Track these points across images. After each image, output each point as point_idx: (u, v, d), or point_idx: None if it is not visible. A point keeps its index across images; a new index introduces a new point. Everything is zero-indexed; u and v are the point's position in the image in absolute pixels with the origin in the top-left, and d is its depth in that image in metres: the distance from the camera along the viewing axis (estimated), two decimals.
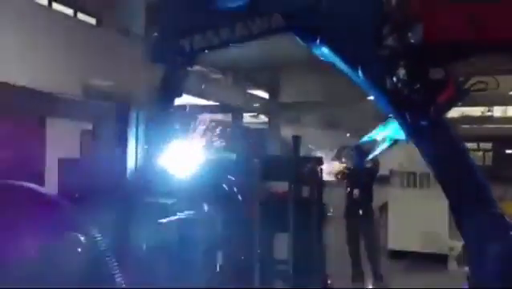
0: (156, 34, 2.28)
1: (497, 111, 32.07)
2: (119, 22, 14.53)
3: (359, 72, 2.14)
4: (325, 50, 2.24)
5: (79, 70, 11.48)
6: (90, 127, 3.08)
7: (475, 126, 26.79)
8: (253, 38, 2.21)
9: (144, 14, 14.80)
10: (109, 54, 12.72)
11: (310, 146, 7.13)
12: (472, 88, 2.20)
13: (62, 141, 3.07)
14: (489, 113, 30.97)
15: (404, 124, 2.20)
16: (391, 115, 2.24)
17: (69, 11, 13.93)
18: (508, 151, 32.06)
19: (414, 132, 2.18)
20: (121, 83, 11.88)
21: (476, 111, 27.47)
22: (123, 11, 14.46)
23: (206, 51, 2.26)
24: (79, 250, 1.53)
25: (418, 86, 2.12)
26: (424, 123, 2.13)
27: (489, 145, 31.39)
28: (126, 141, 2.29)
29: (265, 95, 27.53)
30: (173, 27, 2.26)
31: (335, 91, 26.85)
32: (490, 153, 31.53)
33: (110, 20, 14.86)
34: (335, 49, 2.19)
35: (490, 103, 25.34)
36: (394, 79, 2.13)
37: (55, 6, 13.41)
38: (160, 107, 2.25)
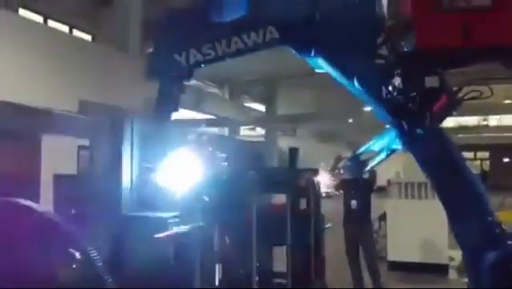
0: (151, 49, 2.29)
1: (493, 120, 32.26)
2: (115, 38, 14.61)
3: (355, 82, 2.15)
4: (320, 61, 2.25)
5: (74, 86, 11.51)
6: (86, 142, 3.06)
7: (471, 135, 26.91)
8: (249, 51, 2.22)
9: (139, 30, 14.90)
10: (105, 69, 12.76)
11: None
12: (465, 97, 2.21)
13: (58, 157, 3.06)
14: (485, 122, 31.15)
15: (401, 133, 2.21)
16: (388, 124, 2.25)
17: (64, 28, 14.04)
18: (505, 159, 32.17)
19: (411, 140, 2.19)
20: (118, 98, 11.90)
21: (472, 120, 27.62)
22: (119, 27, 14.55)
23: (202, 66, 2.27)
24: (74, 266, 1.52)
25: (414, 94, 2.13)
26: (420, 131, 2.13)
27: (486, 154, 31.49)
28: (120, 155, 2.28)
29: (261, 107, 27.62)
30: (169, 42, 2.27)
31: (330, 103, 26.99)
32: (487, 162, 31.61)
33: (105, 36, 14.95)
34: (330, 60, 2.20)
35: (486, 112, 25.47)
36: (390, 87, 2.14)
37: (51, 23, 13.51)
38: (157, 122, 2.25)
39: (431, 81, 2.12)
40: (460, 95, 2.24)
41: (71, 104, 10.12)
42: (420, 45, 2.11)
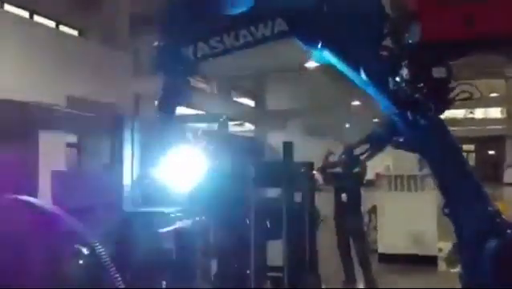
0: (157, 43, 2.26)
1: (479, 113, 32.67)
2: (103, 32, 14.47)
3: (362, 74, 2.18)
4: (327, 53, 2.27)
5: (62, 81, 11.39)
6: (74, 139, 3.05)
7: (458, 128, 27.25)
8: (257, 43, 2.23)
9: (128, 25, 14.77)
10: (93, 65, 12.65)
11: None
12: (456, 98, 2.25)
13: (50, 154, 3.04)
14: (471, 115, 31.54)
15: (406, 124, 2.24)
16: (393, 115, 2.28)
17: (51, 24, 13.86)
18: (490, 152, 32.62)
19: (416, 131, 2.22)
20: (107, 94, 11.81)
21: (458, 113, 27.95)
22: (107, 22, 14.41)
23: (210, 59, 2.26)
24: (81, 262, 1.53)
25: (421, 85, 2.16)
26: (426, 122, 2.17)
27: (471, 147, 31.88)
28: (121, 153, 2.28)
29: (250, 102, 27.60)
30: (176, 36, 2.25)
31: (320, 97, 27.12)
32: (473, 154, 32.00)
33: (93, 31, 14.81)
34: (337, 51, 2.22)
35: (472, 105, 25.80)
36: (397, 78, 2.17)
37: (37, 18, 13.33)
38: (162, 116, 2.24)
39: (438, 72, 2.15)
40: (450, 95, 2.27)
41: (59, 100, 10.02)
42: (424, 36, 2.15)
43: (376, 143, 2.45)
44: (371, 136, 2.45)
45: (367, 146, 2.54)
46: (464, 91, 2.29)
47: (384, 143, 2.41)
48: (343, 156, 2.50)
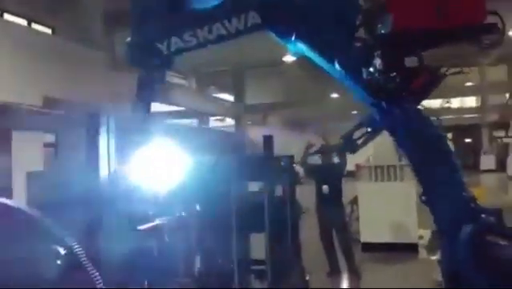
0: (130, 37, 2.23)
1: (455, 103, 33.29)
2: (76, 30, 14.22)
3: (336, 65, 2.18)
4: (301, 45, 2.27)
5: (37, 80, 11.15)
6: (51, 139, 2.99)
7: (435, 117, 27.64)
8: (231, 37, 2.21)
9: (101, 22, 14.54)
10: (67, 63, 12.42)
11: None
12: (447, 73, 2.26)
13: (25, 154, 2.97)
14: (448, 104, 32.12)
15: (381, 113, 2.26)
16: (368, 105, 2.29)
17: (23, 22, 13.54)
18: (467, 140, 33.31)
19: (390, 120, 2.24)
20: (82, 92, 11.62)
21: (435, 103, 28.41)
22: (80, 20, 14.16)
23: (183, 53, 2.24)
24: (59, 262, 1.50)
25: (393, 74, 2.17)
26: (399, 111, 2.18)
27: (449, 135, 32.52)
28: (97, 150, 2.24)
29: (230, 97, 27.53)
30: (148, 30, 2.23)
31: (298, 91, 27.21)
32: (451, 143, 32.57)
33: (66, 29, 14.52)
34: (311, 43, 2.22)
35: (448, 95, 26.24)
36: (370, 69, 2.18)
37: (7, 16, 13.00)
38: (138, 112, 2.21)
39: (410, 61, 2.17)
40: (441, 71, 2.28)
41: (34, 100, 9.82)
42: (396, 26, 2.17)
43: (373, 127, 2.44)
44: (367, 119, 2.44)
45: (363, 131, 2.52)
46: (454, 68, 2.30)
47: (381, 127, 2.40)
48: (341, 141, 2.45)
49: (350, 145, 2.39)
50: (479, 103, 30.70)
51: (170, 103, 18.64)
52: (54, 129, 2.71)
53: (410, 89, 2.20)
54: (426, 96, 2.27)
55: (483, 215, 2.12)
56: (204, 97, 24.47)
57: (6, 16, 13.04)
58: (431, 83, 2.26)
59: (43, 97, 10.62)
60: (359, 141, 2.44)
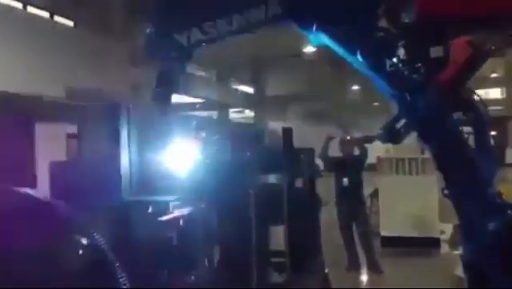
0: (149, 29, 2.23)
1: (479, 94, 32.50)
2: (98, 23, 14.36)
3: (358, 55, 2.14)
4: (322, 36, 2.23)
5: (60, 72, 11.33)
6: (75, 130, 3.03)
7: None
8: (251, 28, 2.19)
9: (123, 14, 14.65)
10: (90, 54, 12.57)
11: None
12: (492, 47, 2.16)
13: (49, 145, 3.02)
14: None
15: (403, 105, 2.20)
16: (390, 97, 2.23)
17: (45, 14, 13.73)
18: (492, 133, 32.56)
19: (413, 112, 2.19)
20: (104, 83, 11.76)
21: None
22: (101, 12, 14.29)
23: (204, 45, 2.22)
24: (81, 252, 1.52)
25: (418, 65, 2.12)
26: (423, 102, 2.13)
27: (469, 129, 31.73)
28: (118, 141, 2.26)
29: (250, 89, 27.50)
30: (169, 21, 2.22)
31: (319, 82, 27.01)
32: (471, 137, 31.87)
33: (88, 21, 14.69)
34: (332, 33, 2.18)
35: (472, 86, 25.63)
36: (394, 59, 2.13)
37: (30, 9, 13.20)
38: (158, 104, 2.21)
39: (435, 51, 2.10)
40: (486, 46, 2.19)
41: (58, 91, 9.99)
42: (421, 15, 2.10)
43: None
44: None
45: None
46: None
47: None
48: (381, 131, 2.35)
49: (393, 135, 2.29)
50: (504, 95, 29.96)
51: (190, 95, 18.72)
52: (76, 120, 2.75)
53: (434, 81, 2.13)
54: (471, 75, 2.18)
55: (510, 211, 2.06)
56: (224, 89, 24.50)
57: (30, 8, 13.24)
58: (477, 59, 2.17)
59: (66, 88, 10.78)
60: (403, 130, 2.35)
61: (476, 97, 2.39)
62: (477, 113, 2.36)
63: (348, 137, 7.31)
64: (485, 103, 2.41)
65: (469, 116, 2.36)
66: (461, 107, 2.33)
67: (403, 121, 2.34)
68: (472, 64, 2.20)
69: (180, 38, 2.17)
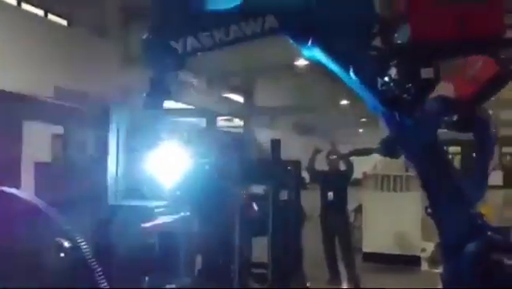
0: (146, 35, 2.23)
1: None
2: (92, 23, 14.30)
3: (351, 73, 2.17)
4: (317, 51, 2.26)
5: (50, 71, 11.24)
6: (60, 130, 2.99)
7: (444, 130, 27.41)
8: (247, 39, 2.21)
9: (116, 14, 14.61)
10: (82, 54, 12.50)
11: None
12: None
13: (35, 145, 2.98)
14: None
15: (391, 123, 2.24)
16: (380, 115, 2.27)
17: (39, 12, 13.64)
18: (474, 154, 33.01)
19: (401, 131, 2.22)
20: (95, 83, 11.69)
21: None
22: (96, 12, 14.24)
23: (198, 54, 2.24)
24: (62, 255, 1.51)
25: (409, 85, 2.15)
26: (411, 122, 2.17)
27: (458, 149, 32.21)
28: (106, 143, 2.25)
29: (239, 98, 27.54)
30: (165, 29, 2.23)
31: (308, 95, 27.19)
32: (459, 156, 32.35)
33: (82, 21, 14.62)
34: (327, 49, 2.21)
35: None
36: (385, 78, 2.17)
37: (25, 6, 13.10)
38: (150, 109, 2.21)
39: (426, 72, 2.14)
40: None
41: (46, 90, 9.89)
42: (414, 36, 2.15)
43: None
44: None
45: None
46: None
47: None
48: (380, 145, 2.37)
49: (391, 150, 2.32)
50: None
51: (179, 101, 18.69)
52: (63, 120, 2.72)
53: (423, 101, 2.18)
54: (496, 92, 2.21)
55: (489, 233, 2.10)
56: (214, 97, 24.50)
57: (24, 6, 13.14)
58: (502, 78, 2.19)
59: (55, 87, 10.69)
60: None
61: (490, 118, 2.43)
62: (487, 134, 2.40)
63: (334, 156, 7.35)
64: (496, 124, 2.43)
65: (478, 136, 2.39)
66: (474, 126, 2.37)
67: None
68: (497, 82, 2.22)
69: (176, 45, 2.19)
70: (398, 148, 2.32)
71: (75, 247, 1.51)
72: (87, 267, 1.52)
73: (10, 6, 12.23)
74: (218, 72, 24.89)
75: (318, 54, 2.26)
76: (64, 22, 14.59)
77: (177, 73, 2.33)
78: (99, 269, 1.54)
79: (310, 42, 2.22)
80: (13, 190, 1.55)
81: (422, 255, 8.07)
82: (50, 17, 14.06)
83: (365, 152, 7.18)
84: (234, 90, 28.06)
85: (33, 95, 3.33)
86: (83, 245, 1.54)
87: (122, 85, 12.35)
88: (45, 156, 3.79)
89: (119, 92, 11.93)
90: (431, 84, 2.18)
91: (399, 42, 2.23)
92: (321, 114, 28.65)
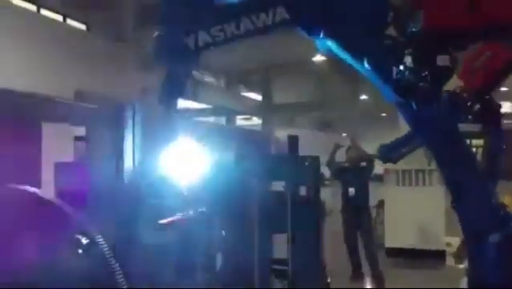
0: (157, 33, 2.24)
1: None
2: (109, 27, 14.50)
3: (365, 63, 2.13)
4: (329, 42, 2.23)
5: (69, 74, 11.44)
6: (83, 131, 3.05)
7: (467, 123, 26.89)
8: (259, 32, 2.19)
9: (133, 18, 14.78)
10: (100, 58, 12.69)
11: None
12: None
13: (57, 146, 3.04)
14: None
15: (409, 114, 2.19)
16: (396, 105, 2.23)
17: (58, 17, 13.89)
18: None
19: (420, 122, 2.17)
20: (113, 86, 11.85)
21: None
22: (113, 16, 14.43)
23: (211, 48, 2.23)
24: (80, 251, 1.52)
25: (425, 74, 2.10)
26: (428, 112, 2.11)
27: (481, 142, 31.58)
28: (122, 143, 2.27)
29: (258, 97, 27.55)
30: (176, 25, 2.23)
31: (327, 91, 27.01)
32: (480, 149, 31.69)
33: (99, 25, 14.84)
34: (339, 40, 2.18)
35: None
36: (401, 67, 2.12)
37: (44, 12, 13.36)
38: (163, 108, 2.22)
39: (442, 60, 2.09)
40: None
41: (66, 93, 10.06)
42: (427, 24, 2.10)
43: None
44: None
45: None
46: None
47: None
48: (382, 148, 2.36)
49: (389, 156, 2.31)
50: None
51: (198, 101, 18.80)
52: (84, 122, 2.76)
53: (440, 90, 2.13)
54: (505, 79, 2.16)
55: None
56: (232, 95, 24.57)
57: (43, 11, 13.40)
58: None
59: (75, 91, 10.87)
60: (404, 150, 2.36)
61: (500, 107, 2.39)
62: (497, 124, 2.35)
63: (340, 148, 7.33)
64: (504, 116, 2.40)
65: (488, 126, 2.35)
66: (484, 116, 2.32)
67: (403, 141, 2.35)
68: (507, 71, 2.18)
69: (188, 41, 2.18)
70: (397, 155, 2.30)
71: (93, 244, 1.53)
72: (104, 264, 1.53)
73: (29, 12, 12.50)
74: (236, 71, 24.96)
75: (332, 45, 2.23)
76: (83, 27, 14.84)
77: (191, 69, 2.33)
78: (117, 265, 1.56)
79: (322, 34, 2.19)
80: (32, 189, 1.57)
81: (447, 250, 7.93)
82: (69, 22, 14.32)
83: (368, 157, 7.10)
84: (252, 88, 28.09)
85: (53, 96, 3.39)
86: (101, 241, 1.55)
87: (139, 88, 12.48)
88: (68, 157, 3.84)
89: (138, 95, 12.06)
90: (448, 72, 2.12)
91: (413, 30, 2.18)
92: (340, 110, 28.42)
